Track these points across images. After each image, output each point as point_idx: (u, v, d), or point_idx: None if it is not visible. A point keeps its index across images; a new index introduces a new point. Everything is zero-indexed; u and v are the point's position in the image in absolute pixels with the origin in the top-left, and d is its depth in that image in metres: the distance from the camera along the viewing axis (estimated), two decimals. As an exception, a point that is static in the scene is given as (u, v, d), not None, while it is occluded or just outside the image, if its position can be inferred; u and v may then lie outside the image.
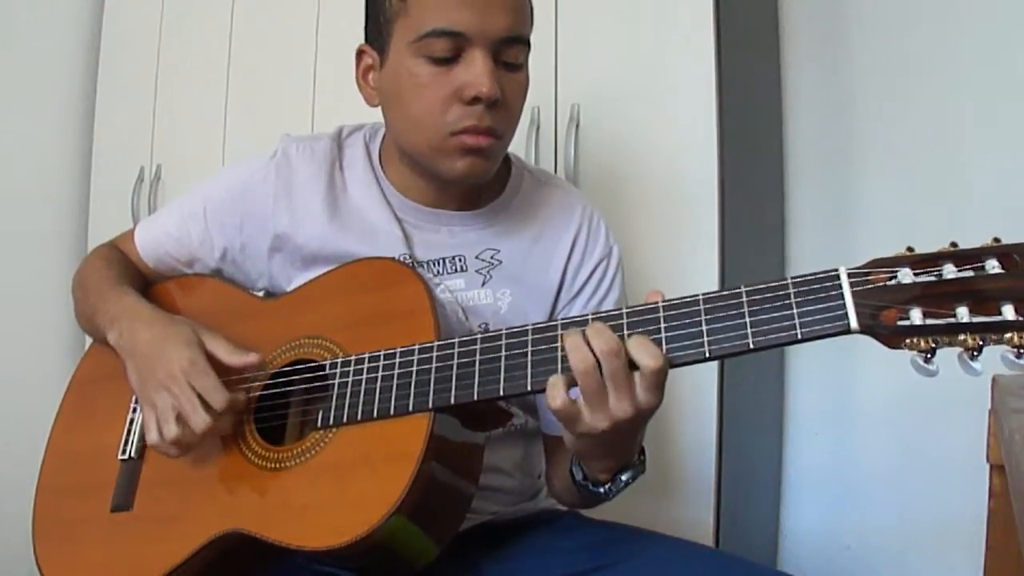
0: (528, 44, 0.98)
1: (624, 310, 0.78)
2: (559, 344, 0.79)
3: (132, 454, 0.98)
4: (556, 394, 0.76)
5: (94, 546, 0.95)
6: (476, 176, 0.98)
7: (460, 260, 1.04)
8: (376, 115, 1.06)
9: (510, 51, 0.95)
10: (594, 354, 0.75)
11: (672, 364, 0.75)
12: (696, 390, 1.44)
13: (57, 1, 2.20)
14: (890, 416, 1.71)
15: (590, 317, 0.79)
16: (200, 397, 0.89)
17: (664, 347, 0.76)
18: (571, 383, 0.77)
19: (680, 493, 1.46)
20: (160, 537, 0.91)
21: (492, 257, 1.04)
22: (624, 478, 0.87)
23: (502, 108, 0.96)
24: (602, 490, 0.88)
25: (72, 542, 0.97)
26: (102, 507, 0.97)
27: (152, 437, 0.91)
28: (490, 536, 1.01)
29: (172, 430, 0.89)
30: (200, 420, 0.88)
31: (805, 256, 1.81)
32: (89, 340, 1.14)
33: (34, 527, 1.00)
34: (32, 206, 2.17)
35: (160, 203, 2.00)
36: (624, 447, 0.84)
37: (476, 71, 0.92)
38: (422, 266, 1.02)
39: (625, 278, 1.12)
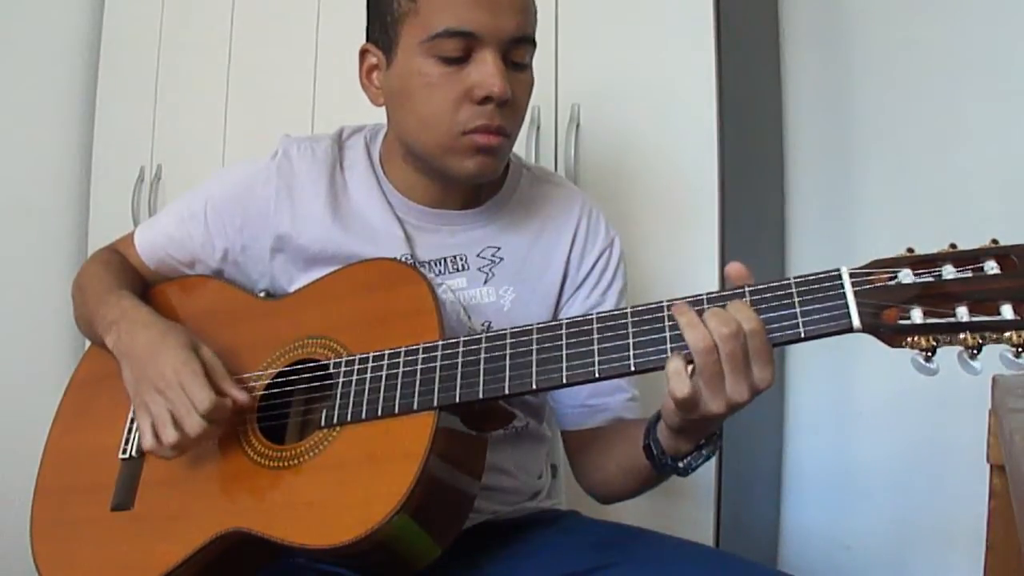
0: (534, 44, 0.99)
1: (628, 309, 0.79)
2: (564, 343, 0.79)
3: (133, 453, 0.98)
4: (681, 382, 0.75)
5: (93, 545, 0.95)
6: (486, 175, 0.99)
7: (461, 259, 1.04)
8: (377, 115, 1.06)
9: (518, 51, 0.96)
10: (711, 336, 0.73)
11: None
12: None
13: (57, 1, 2.20)
14: (890, 416, 1.71)
15: (595, 316, 0.80)
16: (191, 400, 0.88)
17: (668, 345, 0.76)
18: (688, 362, 0.76)
19: (680, 493, 1.46)
20: (161, 536, 0.91)
21: (493, 255, 1.05)
22: (705, 452, 0.86)
23: (511, 107, 0.96)
24: (681, 464, 0.87)
25: (71, 541, 0.97)
26: (102, 506, 0.97)
27: (148, 442, 0.90)
28: (491, 535, 1.01)
29: (171, 435, 0.88)
30: (194, 424, 0.87)
31: (805, 254, 1.82)
32: (89, 341, 1.14)
33: (32, 527, 1.00)
34: (32, 206, 2.17)
35: (160, 203, 2.00)
36: (711, 429, 0.83)
37: (487, 71, 0.93)
38: (424, 266, 1.02)
39: (627, 272, 1.12)
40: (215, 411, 0.88)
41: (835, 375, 1.78)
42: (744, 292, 0.75)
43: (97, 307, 1.04)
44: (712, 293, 0.77)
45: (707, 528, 1.44)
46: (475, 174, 0.98)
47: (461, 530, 0.89)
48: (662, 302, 0.78)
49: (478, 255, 1.05)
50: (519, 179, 1.10)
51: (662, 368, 0.77)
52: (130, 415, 1.01)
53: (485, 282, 1.04)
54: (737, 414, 1.38)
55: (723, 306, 0.75)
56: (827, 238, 1.80)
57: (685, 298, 0.78)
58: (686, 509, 1.45)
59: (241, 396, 0.91)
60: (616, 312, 0.79)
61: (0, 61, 2.10)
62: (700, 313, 0.75)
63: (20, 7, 2.13)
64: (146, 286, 1.12)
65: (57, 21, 2.21)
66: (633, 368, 0.77)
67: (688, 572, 0.91)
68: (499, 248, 1.05)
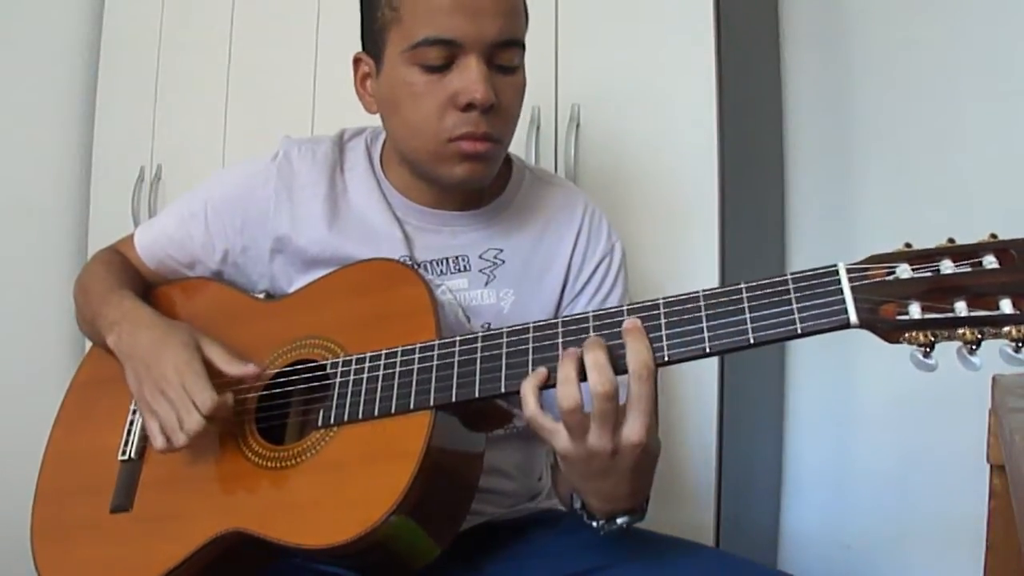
0: (522, 46, 0.98)
1: (625, 307, 0.79)
2: (560, 341, 0.79)
3: (132, 455, 0.98)
4: (529, 402, 0.77)
5: (93, 547, 0.95)
6: (476, 181, 0.99)
7: (463, 260, 1.04)
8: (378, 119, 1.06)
9: (504, 54, 0.95)
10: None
11: (673, 360, 0.76)
12: (697, 390, 1.44)
13: (57, 1, 2.20)
14: (890, 416, 1.71)
15: (591, 315, 0.79)
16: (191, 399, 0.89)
17: (665, 343, 0.76)
18: (543, 385, 0.78)
19: (681, 493, 1.46)
20: (160, 537, 0.91)
21: (495, 257, 1.05)
22: (619, 521, 0.86)
23: (498, 112, 0.96)
24: (595, 524, 0.87)
25: (71, 543, 0.97)
26: (101, 508, 0.97)
27: (159, 443, 0.91)
28: (491, 536, 1.01)
29: (182, 439, 0.89)
30: (192, 423, 0.88)
31: (805, 255, 1.81)
32: (89, 342, 1.14)
33: (33, 528, 1.00)
34: (32, 206, 2.17)
35: (160, 203, 2.00)
36: (615, 489, 0.82)
37: (470, 78, 0.92)
38: (425, 266, 1.02)
39: (628, 279, 1.12)
40: (216, 411, 0.88)
41: (835, 375, 1.78)
42: (741, 289, 0.75)
43: (99, 307, 1.04)
44: (708, 290, 0.76)
45: (707, 528, 1.43)
46: (465, 180, 0.98)
47: (459, 530, 0.89)
48: (658, 299, 0.78)
49: (480, 256, 1.04)
50: (522, 181, 1.10)
51: (659, 366, 0.76)
52: (130, 416, 1.02)
53: (486, 284, 1.04)
54: (737, 414, 1.38)
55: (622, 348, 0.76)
56: (827, 238, 1.80)
57: (599, 312, 0.79)
58: (686, 509, 1.45)
59: (250, 369, 0.92)
60: (613, 309, 0.79)
61: (0, 61, 2.09)
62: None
63: (20, 7, 2.13)
64: (147, 287, 1.12)
65: (57, 21, 2.21)
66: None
67: (688, 572, 0.91)
68: (501, 250, 1.05)
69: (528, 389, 0.78)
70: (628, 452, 0.76)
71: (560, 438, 0.77)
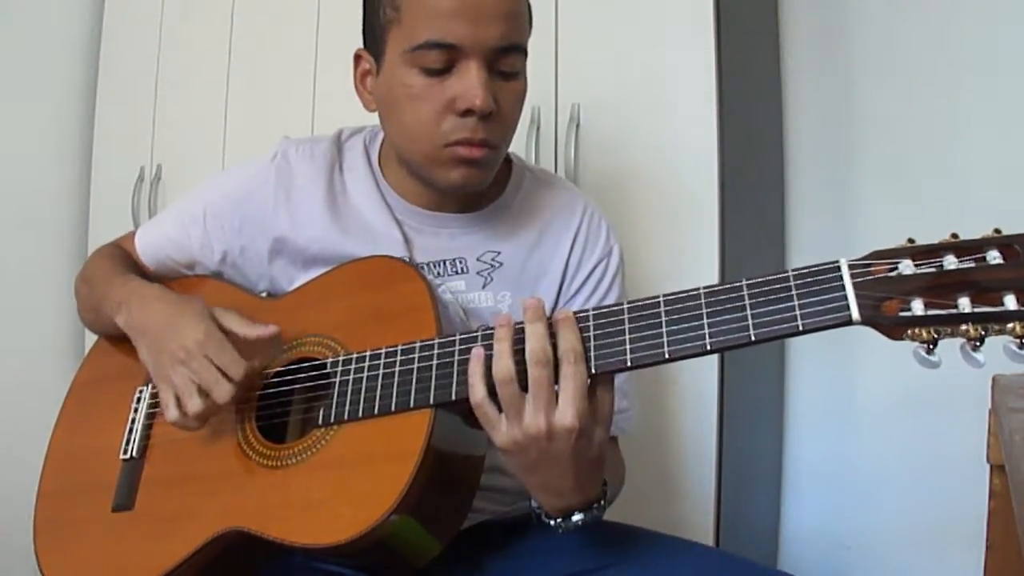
0: (525, 52, 0.97)
1: (625, 304, 0.78)
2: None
3: (133, 453, 0.99)
4: (477, 389, 0.79)
5: (95, 546, 0.95)
6: (471, 186, 0.98)
7: (461, 262, 1.04)
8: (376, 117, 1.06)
9: (505, 60, 0.95)
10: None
11: (674, 357, 0.75)
12: (696, 390, 1.44)
13: (57, 1, 2.20)
14: (890, 416, 1.71)
15: (591, 312, 0.79)
16: (219, 368, 0.89)
17: (665, 339, 0.75)
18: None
19: (680, 493, 1.46)
20: (161, 536, 0.91)
21: (493, 259, 1.04)
22: (575, 519, 0.85)
23: (497, 119, 0.95)
24: (552, 523, 0.86)
25: (73, 542, 0.97)
26: (103, 507, 0.97)
27: (172, 414, 0.90)
28: (491, 535, 1.01)
29: (196, 404, 0.89)
30: (224, 391, 0.88)
31: (805, 255, 1.82)
32: (90, 342, 1.13)
33: (35, 528, 1.00)
34: (32, 206, 2.17)
35: (160, 203, 2.00)
36: (559, 481, 0.81)
37: (469, 83, 0.92)
38: (422, 268, 1.02)
39: (626, 278, 1.12)
40: (248, 378, 0.90)
41: (835, 374, 1.78)
42: (742, 286, 0.74)
43: (105, 291, 1.04)
44: (709, 287, 0.76)
45: (707, 528, 1.43)
46: (460, 185, 0.97)
47: (460, 527, 0.89)
48: (658, 296, 0.78)
49: (478, 259, 1.04)
50: (521, 182, 1.09)
51: (659, 363, 0.76)
52: (131, 415, 1.02)
53: (483, 286, 1.04)
54: (737, 414, 1.37)
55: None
56: (827, 238, 1.80)
57: (599, 310, 0.80)
58: (686, 509, 1.45)
59: (271, 330, 0.93)
60: (614, 307, 0.79)
61: (0, 61, 2.10)
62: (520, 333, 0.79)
63: (20, 7, 2.13)
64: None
65: (57, 21, 2.21)
66: (629, 364, 0.77)
67: (688, 572, 0.91)
68: (499, 252, 1.05)
69: (476, 375, 0.79)
70: (563, 436, 0.76)
71: (500, 427, 0.78)
